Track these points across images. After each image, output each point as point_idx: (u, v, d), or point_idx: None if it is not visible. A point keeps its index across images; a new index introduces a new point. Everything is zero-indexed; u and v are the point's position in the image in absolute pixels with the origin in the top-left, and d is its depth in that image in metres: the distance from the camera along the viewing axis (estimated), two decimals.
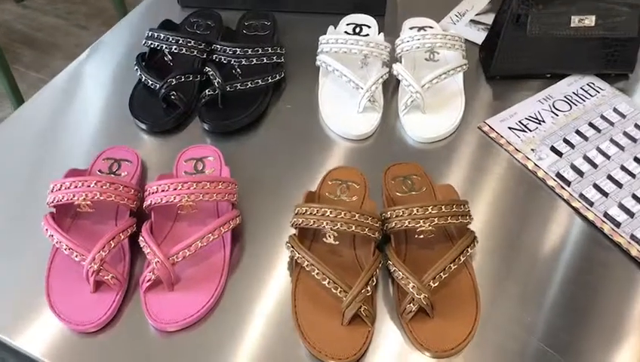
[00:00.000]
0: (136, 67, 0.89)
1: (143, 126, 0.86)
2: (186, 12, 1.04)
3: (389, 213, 0.69)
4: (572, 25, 0.86)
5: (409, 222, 0.67)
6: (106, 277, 0.66)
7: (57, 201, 0.69)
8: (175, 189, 0.69)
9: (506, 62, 0.91)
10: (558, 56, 0.91)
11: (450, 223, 0.68)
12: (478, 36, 0.99)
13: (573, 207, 0.78)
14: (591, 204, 0.77)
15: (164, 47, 0.89)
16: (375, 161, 0.82)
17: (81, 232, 0.72)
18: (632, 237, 0.74)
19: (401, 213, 0.68)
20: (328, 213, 0.67)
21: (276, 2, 1.03)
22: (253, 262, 0.72)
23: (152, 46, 0.90)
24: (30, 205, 0.77)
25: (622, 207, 0.77)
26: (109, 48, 1.00)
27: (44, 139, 0.86)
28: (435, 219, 0.67)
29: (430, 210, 0.67)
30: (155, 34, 0.89)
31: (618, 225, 0.75)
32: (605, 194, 0.78)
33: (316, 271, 0.65)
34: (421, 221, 0.67)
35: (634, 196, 0.78)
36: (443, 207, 0.68)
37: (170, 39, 0.88)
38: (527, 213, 0.77)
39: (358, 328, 0.65)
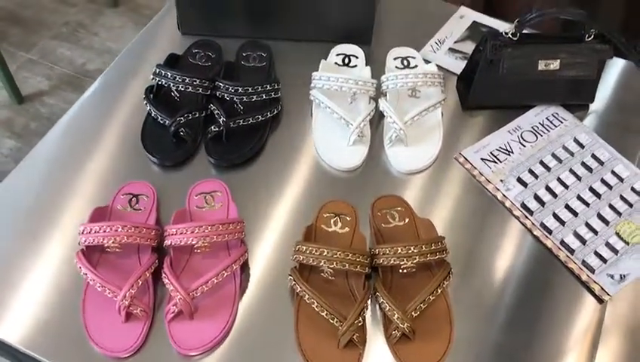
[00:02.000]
0: (146, 102, 0.97)
1: (155, 160, 0.95)
2: (185, 38, 1.11)
3: (377, 250, 0.81)
4: (539, 68, 0.96)
5: (394, 260, 0.79)
6: (135, 311, 0.77)
7: (89, 243, 0.79)
8: (192, 233, 0.79)
9: (481, 96, 1.02)
10: (526, 91, 1.01)
11: (429, 260, 0.80)
12: (456, 65, 1.09)
13: (534, 235, 0.90)
14: (550, 232, 0.90)
15: (171, 85, 0.97)
16: (363, 191, 0.93)
17: (108, 266, 0.82)
18: (583, 263, 0.87)
19: (387, 251, 0.80)
20: (325, 253, 0.78)
21: (270, 31, 1.11)
22: (260, 289, 0.83)
23: (160, 83, 0.98)
24: (54, 239, 0.87)
25: (576, 234, 0.89)
26: (114, 79, 1.08)
27: (63, 174, 0.94)
28: (417, 258, 0.79)
29: (412, 250, 0.79)
30: (163, 72, 0.97)
31: (572, 251, 0.88)
32: (562, 222, 0.90)
33: (315, 303, 0.77)
34: (404, 259, 0.79)
35: (587, 224, 0.90)
36: (423, 246, 0.79)
37: (177, 78, 0.96)
38: (496, 241, 0.89)
39: (351, 351, 0.77)
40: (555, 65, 0.96)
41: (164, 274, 0.79)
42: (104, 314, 0.79)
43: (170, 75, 0.97)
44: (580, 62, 0.97)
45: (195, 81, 0.97)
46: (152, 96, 0.99)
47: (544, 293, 0.85)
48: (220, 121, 0.94)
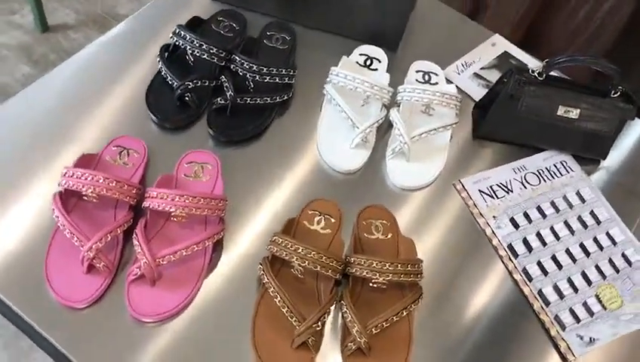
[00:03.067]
0: (159, 60, 0.96)
1: (155, 119, 0.93)
2: (214, 5, 1.09)
3: (352, 259, 0.79)
4: (558, 113, 0.94)
5: (367, 273, 0.78)
6: (98, 264, 0.76)
7: (68, 187, 0.78)
8: (172, 200, 0.78)
9: (494, 128, 1.00)
10: (541, 133, 0.99)
11: (402, 280, 0.78)
12: (477, 91, 1.07)
13: (514, 279, 0.88)
14: (530, 279, 0.88)
15: (187, 48, 0.95)
16: (355, 196, 0.92)
17: (82, 214, 0.81)
18: (556, 317, 0.85)
19: (362, 263, 0.78)
20: (300, 250, 0.77)
21: (300, 15, 1.09)
22: (228, 271, 0.82)
23: (177, 43, 0.96)
24: (40, 177, 0.86)
25: (556, 287, 0.87)
26: (136, 28, 1.06)
27: (63, 111, 0.93)
28: (390, 275, 0.77)
29: (387, 266, 0.77)
30: (182, 32, 0.96)
31: (547, 304, 0.86)
32: (545, 272, 0.89)
33: (278, 298, 0.76)
34: (377, 274, 0.77)
35: (569, 280, 0.89)
36: (399, 265, 0.78)
37: (195, 42, 0.94)
38: (475, 276, 0.87)
39: (303, 353, 0.76)
40: (574, 113, 0.94)
41: (134, 235, 0.78)
42: (67, 262, 0.77)
43: (188, 37, 0.95)
44: (600, 117, 0.95)
45: (212, 49, 0.95)
46: (166, 55, 0.98)
47: (511, 339, 0.83)
48: (228, 94, 0.92)
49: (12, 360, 1.48)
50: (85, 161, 0.84)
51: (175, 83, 0.93)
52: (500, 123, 0.98)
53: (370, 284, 0.80)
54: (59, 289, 0.75)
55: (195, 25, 1.02)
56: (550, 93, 0.94)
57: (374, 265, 0.77)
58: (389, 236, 0.87)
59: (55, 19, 2.19)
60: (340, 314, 0.80)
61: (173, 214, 0.80)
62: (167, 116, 0.94)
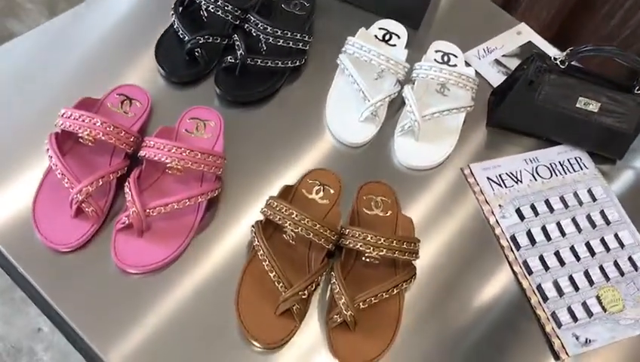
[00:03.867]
0: (173, 13, 0.94)
1: (162, 72, 0.91)
2: None
3: (347, 230, 0.77)
4: (577, 105, 0.90)
5: (360, 245, 0.75)
6: (87, 209, 0.74)
7: (64, 127, 0.76)
8: (169, 151, 0.76)
9: (509, 117, 0.96)
10: (557, 125, 0.95)
11: (396, 257, 0.75)
12: (496, 78, 1.03)
13: (513, 271, 0.85)
14: (530, 272, 0.85)
15: (202, 3, 0.93)
16: (358, 171, 0.89)
17: (77, 158, 0.79)
18: (553, 314, 0.82)
19: (356, 235, 0.75)
20: (294, 216, 0.74)
21: None
22: (218, 231, 0.80)
23: None
24: (40, 117, 0.84)
25: (556, 284, 0.84)
26: None
27: (67, 55, 0.92)
28: (384, 251, 0.74)
29: (382, 241, 0.75)
30: None
31: (545, 299, 0.83)
32: (547, 268, 0.85)
33: (267, 262, 0.74)
34: (371, 248, 0.75)
35: (570, 278, 0.85)
36: (395, 241, 0.75)
37: None
38: (472, 263, 0.84)
39: (287, 321, 0.73)
40: (594, 106, 0.90)
41: (127, 183, 0.76)
42: (56, 205, 0.76)
43: None
44: (620, 113, 0.91)
45: (227, 6, 0.92)
46: (180, 9, 0.95)
47: (505, 331, 0.80)
48: (238, 53, 0.90)
49: (5, 312, 1.48)
50: (86, 105, 0.82)
51: (186, 37, 0.91)
52: (516, 111, 0.95)
53: (363, 258, 0.77)
54: (45, 231, 0.74)
55: None
56: (570, 83, 0.90)
57: (369, 238, 0.75)
58: (389, 214, 0.85)
59: None
60: (329, 287, 0.77)
61: (168, 166, 0.77)
62: (174, 70, 0.91)
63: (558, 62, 0.89)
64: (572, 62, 0.89)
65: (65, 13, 0.96)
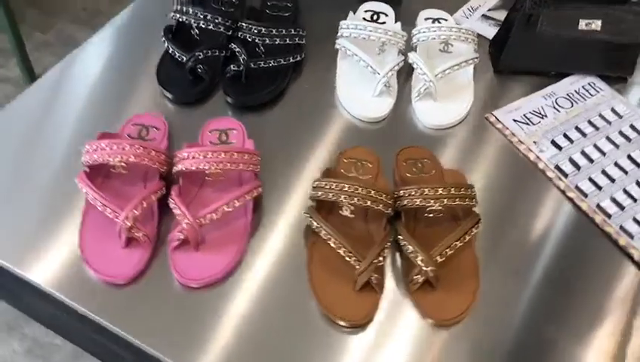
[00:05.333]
0: (164, 39, 0.93)
1: (170, 96, 0.90)
2: None
3: (401, 191, 0.75)
4: (580, 27, 0.91)
5: (420, 201, 0.73)
6: (137, 234, 0.71)
7: (93, 161, 0.74)
8: (205, 157, 0.74)
9: (514, 59, 0.97)
10: (563, 55, 0.96)
11: (457, 204, 0.74)
12: (489, 31, 1.04)
13: (568, 197, 0.84)
14: (585, 195, 0.83)
15: (192, 22, 0.93)
16: (387, 143, 0.87)
17: (112, 191, 0.76)
18: (621, 228, 0.80)
19: (413, 193, 0.74)
20: (346, 188, 0.72)
21: None
22: (270, 229, 0.77)
23: (181, 20, 0.93)
24: (57, 165, 0.81)
25: (613, 200, 0.83)
26: (133, 20, 1.04)
27: (73, 101, 0.90)
28: (445, 200, 0.73)
29: (440, 191, 0.73)
30: (184, 8, 0.93)
31: (609, 216, 0.81)
32: (599, 187, 0.84)
33: (332, 240, 0.71)
34: (432, 201, 0.73)
35: (625, 191, 0.84)
36: (452, 189, 0.73)
37: (199, 14, 0.92)
38: (527, 200, 0.83)
39: (368, 294, 0.70)
40: (596, 25, 0.91)
41: (171, 201, 0.73)
42: (103, 239, 0.73)
43: (191, 11, 0.92)
44: (622, 27, 0.92)
45: (217, 19, 0.92)
46: (170, 36, 0.95)
47: (578, 255, 0.78)
48: (241, 58, 0.89)
49: None
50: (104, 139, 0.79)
51: (184, 58, 0.90)
52: (520, 50, 0.96)
53: (426, 215, 0.75)
54: (99, 267, 0.70)
55: (194, 3, 1.00)
56: (568, 8, 0.91)
57: (427, 192, 0.73)
58: (433, 173, 0.83)
59: (41, 68, 2.16)
60: (398, 255, 0.75)
61: (208, 172, 0.75)
62: (181, 91, 0.90)
63: None
64: None
65: (54, 67, 0.95)
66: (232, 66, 0.90)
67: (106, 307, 0.69)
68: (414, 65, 0.92)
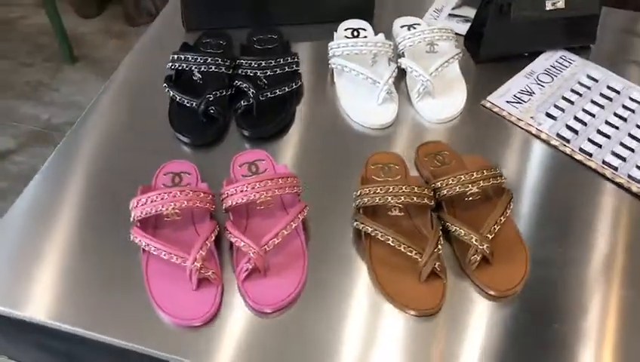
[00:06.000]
0: (168, 89, 0.96)
1: (187, 140, 0.92)
2: (190, 36, 1.10)
3: (438, 183, 0.80)
4: (547, 8, 1.00)
5: (459, 188, 0.79)
6: (207, 274, 0.73)
7: (146, 214, 0.75)
8: (253, 188, 0.77)
9: (492, 47, 1.05)
10: (534, 36, 1.06)
11: (492, 184, 0.80)
12: (460, 27, 1.13)
13: (576, 160, 0.91)
14: (590, 155, 0.92)
15: (193, 68, 0.96)
16: (400, 145, 0.93)
17: (167, 239, 0.78)
18: (629, 176, 0.89)
19: (450, 181, 0.79)
20: (392, 190, 0.77)
21: (274, 17, 1.12)
22: (321, 244, 0.81)
23: (181, 68, 0.96)
24: (107, 219, 0.82)
25: (614, 154, 0.92)
26: (128, 80, 1.05)
27: (94, 165, 0.91)
28: (481, 182, 0.79)
29: (475, 175, 0.79)
30: (182, 56, 0.96)
31: (616, 169, 0.90)
32: (599, 145, 0.93)
33: (390, 239, 0.75)
34: (469, 185, 0.79)
35: (622, 144, 0.93)
36: (484, 171, 0.80)
37: (199, 59, 0.95)
38: (540, 170, 0.90)
39: (433, 283, 0.75)
40: (561, 3, 1.00)
41: (230, 235, 0.76)
42: (172, 287, 0.74)
43: (190, 57, 0.96)
44: (581, 1, 1.02)
45: (218, 60, 0.96)
46: (172, 84, 0.97)
47: (595, 210, 0.85)
48: (250, 92, 0.93)
49: None
50: (145, 192, 0.81)
51: (194, 103, 0.93)
52: (497, 39, 1.04)
53: (466, 199, 0.81)
54: (175, 313, 0.72)
55: (186, 50, 1.03)
56: None
57: (462, 178, 0.79)
58: (454, 162, 0.89)
59: None
60: (446, 243, 0.80)
61: (258, 202, 0.78)
62: (198, 133, 0.93)
63: None
64: None
65: (64, 139, 0.95)
66: (242, 102, 0.93)
67: (189, 350, 0.70)
68: (408, 70, 0.99)
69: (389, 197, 0.77)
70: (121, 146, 0.94)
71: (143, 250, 0.77)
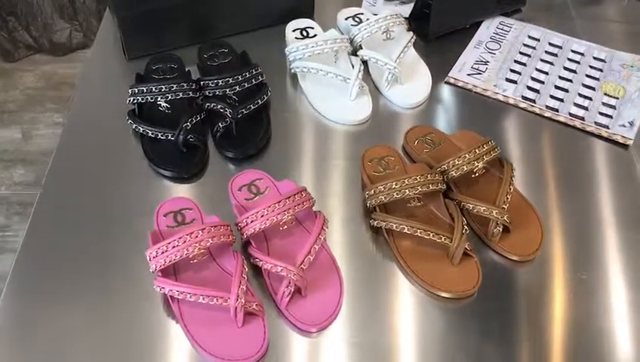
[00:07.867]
0: (135, 125, 0.90)
1: (170, 174, 0.87)
2: (133, 64, 1.04)
3: (444, 166, 0.82)
4: None
5: (466, 166, 0.81)
6: (252, 307, 0.70)
7: (171, 262, 0.71)
8: (274, 211, 0.75)
9: (439, 25, 1.08)
10: (472, 8, 1.10)
11: (494, 157, 0.83)
12: (399, 10, 1.14)
13: (546, 117, 0.97)
14: (556, 110, 0.97)
15: (158, 99, 0.91)
16: (383, 135, 0.94)
17: (192, 282, 0.74)
18: (596, 123, 0.95)
19: (457, 161, 0.81)
20: (407, 182, 0.78)
21: (217, 30, 1.08)
22: (342, 249, 0.80)
23: (144, 100, 0.91)
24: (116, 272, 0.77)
25: (576, 105, 0.98)
26: (82, 120, 0.98)
27: (81, 215, 0.84)
28: (485, 157, 0.81)
29: (477, 151, 0.81)
30: (144, 88, 0.91)
31: (582, 119, 0.96)
32: (561, 100, 0.99)
33: (418, 230, 0.76)
34: (475, 162, 0.81)
35: (579, 95, 1.00)
36: (484, 145, 0.82)
37: (164, 88, 0.90)
38: (516, 132, 0.95)
39: (467, 262, 0.77)
40: None
41: (261, 262, 0.73)
42: (215, 327, 0.71)
43: (154, 88, 0.91)
44: None
45: (183, 85, 0.91)
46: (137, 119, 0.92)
47: (577, 156, 0.92)
48: (227, 113, 0.89)
49: None
50: (156, 238, 0.77)
51: (169, 134, 0.88)
52: (442, 16, 1.07)
53: (473, 176, 0.83)
54: (227, 356, 0.69)
55: (140, 81, 0.97)
56: None
57: (467, 156, 0.81)
58: (443, 143, 0.91)
59: None
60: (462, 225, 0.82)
61: (282, 222, 0.76)
62: (182, 166, 0.88)
63: None
64: None
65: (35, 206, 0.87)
66: (220, 124, 0.90)
67: None
68: (371, 60, 0.99)
69: (407, 190, 0.78)
70: (105, 197, 0.87)
71: (170, 299, 0.72)
